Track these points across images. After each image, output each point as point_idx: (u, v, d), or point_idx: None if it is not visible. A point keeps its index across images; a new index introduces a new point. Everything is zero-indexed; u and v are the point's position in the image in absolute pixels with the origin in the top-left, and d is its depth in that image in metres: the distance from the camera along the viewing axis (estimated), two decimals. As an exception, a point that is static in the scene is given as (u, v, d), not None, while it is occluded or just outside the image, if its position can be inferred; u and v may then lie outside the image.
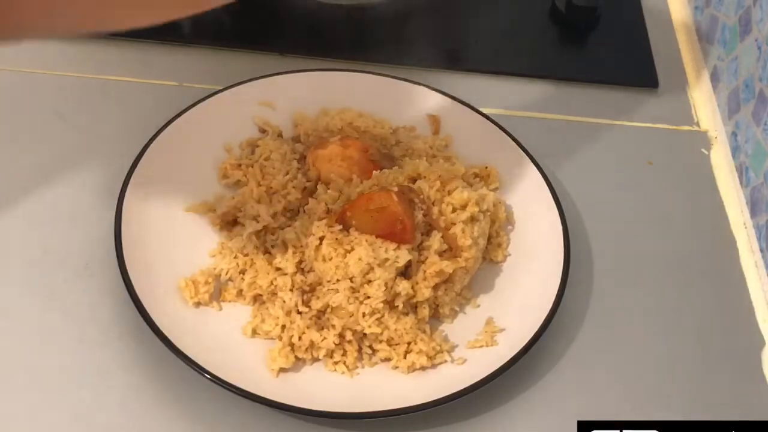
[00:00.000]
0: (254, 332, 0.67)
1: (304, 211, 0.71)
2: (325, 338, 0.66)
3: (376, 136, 0.78)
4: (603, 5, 0.94)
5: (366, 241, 0.67)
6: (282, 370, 0.65)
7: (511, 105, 0.86)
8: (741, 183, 0.81)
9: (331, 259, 0.67)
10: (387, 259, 0.66)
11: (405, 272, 0.68)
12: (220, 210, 0.73)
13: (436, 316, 0.70)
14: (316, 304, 0.67)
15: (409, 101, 0.81)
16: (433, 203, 0.70)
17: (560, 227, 0.72)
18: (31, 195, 0.73)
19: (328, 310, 0.67)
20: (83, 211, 0.72)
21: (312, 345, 0.66)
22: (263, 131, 0.79)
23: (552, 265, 0.71)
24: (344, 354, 0.66)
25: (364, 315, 0.66)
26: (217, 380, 0.61)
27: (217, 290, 0.69)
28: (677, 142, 0.87)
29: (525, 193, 0.76)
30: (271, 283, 0.68)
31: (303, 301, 0.67)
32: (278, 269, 0.68)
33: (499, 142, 0.79)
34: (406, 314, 0.68)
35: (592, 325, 0.72)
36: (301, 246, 0.68)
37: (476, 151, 0.79)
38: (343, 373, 0.66)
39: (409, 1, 0.92)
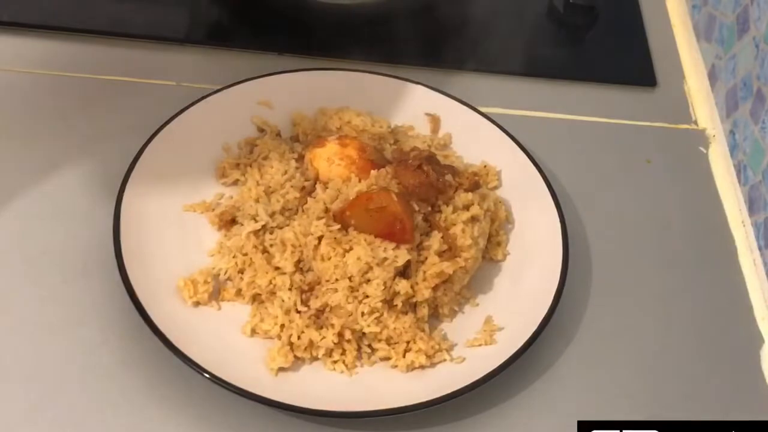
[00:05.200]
0: (253, 331, 0.67)
1: (303, 211, 0.71)
2: (324, 337, 0.65)
3: (374, 136, 0.78)
4: (601, 4, 0.94)
5: (365, 240, 0.67)
6: (281, 369, 0.65)
7: (509, 104, 0.86)
8: (739, 181, 0.82)
9: (329, 259, 0.67)
10: (386, 259, 0.66)
11: (404, 272, 0.68)
12: (218, 209, 0.73)
13: (435, 315, 0.70)
14: (315, 304, 0.67)
15: (408, 100, 0.81)
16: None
17: (559, 226, 0.73)
18: (30, 194, 0.73)
19: (327, 309, 0.67)
20: (82, 211, 0.72)
21: (311, 344, 0.66)
22: (261, 130, 0.79)
23: (551, 263, 0.71)
24: (343, 353, 0.66)
25: (363, 314, 0.66)
26: (216, 379, 0.61)
27: (216, 290, 0.69)
28: (675, 140, 0.87)
29: (524, 192, 0.76)
30: (270, 283, 0.68)
31: (302, 301, 0.67)
32: (277, 268, 0.68)
33: (498, 140, 0.79)
34: (405, 313, 0.68)
35: (591, 323, 0.72)
36: (300, 245, 0.68)
37: (475, 150, 0.79)
38: (342, 372, 0.66)
39: (407, 1, 0.92)
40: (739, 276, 0.77)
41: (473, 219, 0.71)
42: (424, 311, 0.68)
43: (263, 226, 0.70)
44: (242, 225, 0.71)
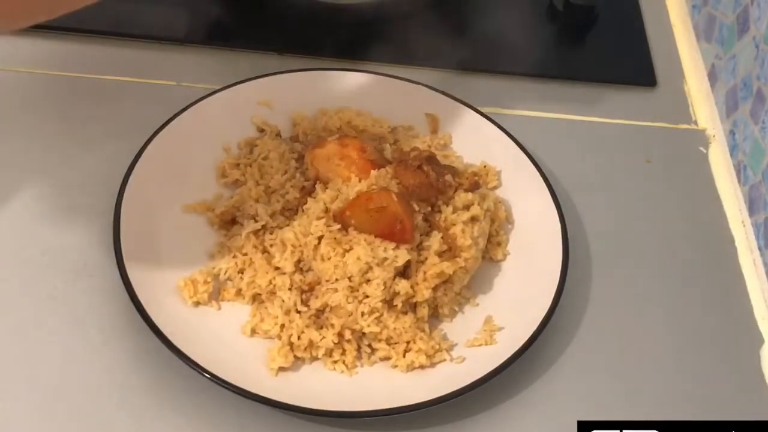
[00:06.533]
0: (253, 331, 0.67)
1: (303, 211, 0.71)
2: (324, 337, 0.66)
3: (374, 136, 0.78)
4: (601, 4, 0.94)
5: (365, 240, 0.67)
6: (281, 369, 0.65)
7: (508, 104, 0.86)
8: (739, 181, 0.82)
9: (329, 259, 0.67)
10: (386, 259, 0.66)
11: (404, 272, 0.68)
12: (218, 209, 0.73)
13: (435, 315, 0.70)
14: (315, 304, 0.67)
15: (408, 100, 0.81)
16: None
17: (559, 226, 0.73)
18: (30, 194, 0.73)
19: (327, 309, 0.67)
20: (82, 211, 0.72)
21: (311, 344, 0.66)
22: (261, 131, 0.79)
23: (551, 263, 0.71)
24: (343, 353, 0.66)
25: (362, 314, 0.66)
26: (216, 379, 0.61)
27: (216, 290, 0.69)
28: (675, 140, 0.87)
29: (524, 192, 0.76)
30: (270, 283, 0.68)
31: (302, 301, 0.67)
32: (277, 268, 0.68)
33: (498, 140, 0.79)
34: (405, 313, 0.68)
35: (591, 323, 0.72)
36: (300, 245, 0.68)
37: (474, 150, 0.79)
38: (342, 372, 0.66)
39: (407, 0, 0.92)
40: (739, 276, 0.77)
41: (473, 219, 0.71)
42: (424, 311, 0.68)
43: (263, 226, 0.70)
44: (242, 225, 0.71)
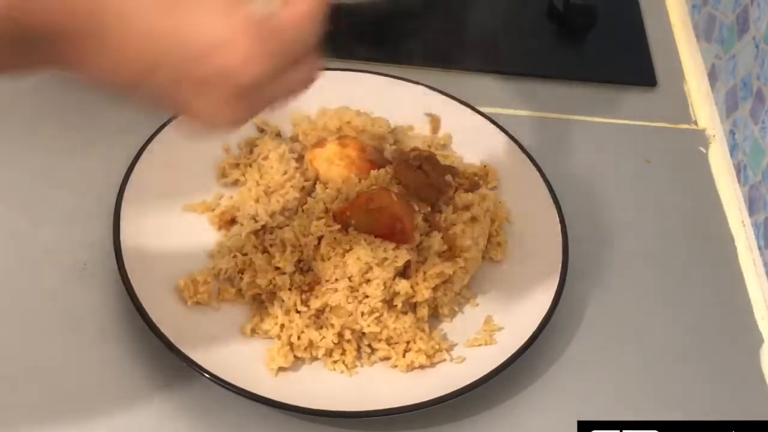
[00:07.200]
0: (253, 331, 0.67)
1: (303, 211, 0.71)
2: (324, 337, 0.65)
3: (374, 136, 0.78)
4: (601, 4, 0.94)
5: (365, 240, 0.67)
6: (281, 369, 0.65)
7: (509, 104, 0.86)
8: (739, 181, 0.82)
9: (329, 259, 0.67)
10: (386, 259, 0.66)
11: (404, 272, 0.68)
12: (218, 209, 0.73)
13: (435, 315, 0.70)
14: (315, 304, 0.66)
15: (408, 100, 0.81)
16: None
17: (559, 226, 0.73)
18: (30, 195, 0.73)
19: (327, 309, 0.66)
20: (82, 211, 0.72)
21: (311, 344, 0.66)
22: (261, 131, 0.79)
23: (551, 263, 0.71)
24: (343, 353, 0.66)
25: (362, 314, 0.66)
26: (216, 379, 0.61)
27: (215, 290, 0.69)
28: (675, 140, 0.87)
29: (524, 192, 0.76)
30: (270, 283, 0.68)
31: (302, 301, 0.67)
32: (277, 268, 0.68)
33: (498, 141, 0.79)
34: (405, 313, 0.68)
35: (592, 323, 0.72)
36: (300, 245, 0.68)
37: (474, 150, 0.79)
38: (342, 372, 0.66)
39: (407, 0, 0.92)
40: (739, 276, 0.77)
41: (473, 219, 0.71)
42: (424, 311, 0.68)
43: (263, 226, 0.70)
44: (242, 225, 0.71)
